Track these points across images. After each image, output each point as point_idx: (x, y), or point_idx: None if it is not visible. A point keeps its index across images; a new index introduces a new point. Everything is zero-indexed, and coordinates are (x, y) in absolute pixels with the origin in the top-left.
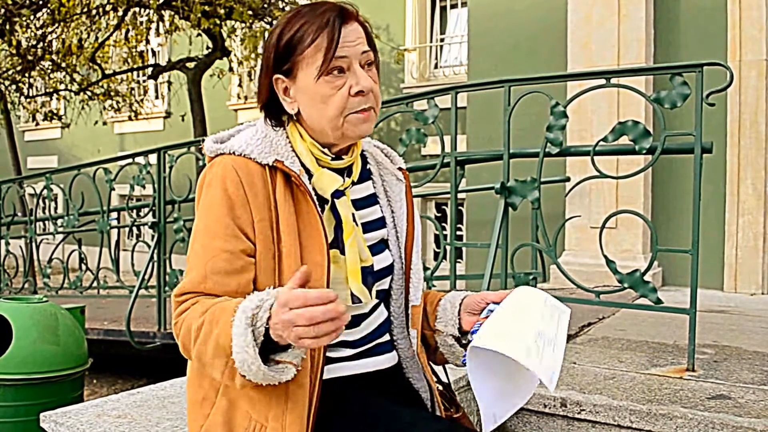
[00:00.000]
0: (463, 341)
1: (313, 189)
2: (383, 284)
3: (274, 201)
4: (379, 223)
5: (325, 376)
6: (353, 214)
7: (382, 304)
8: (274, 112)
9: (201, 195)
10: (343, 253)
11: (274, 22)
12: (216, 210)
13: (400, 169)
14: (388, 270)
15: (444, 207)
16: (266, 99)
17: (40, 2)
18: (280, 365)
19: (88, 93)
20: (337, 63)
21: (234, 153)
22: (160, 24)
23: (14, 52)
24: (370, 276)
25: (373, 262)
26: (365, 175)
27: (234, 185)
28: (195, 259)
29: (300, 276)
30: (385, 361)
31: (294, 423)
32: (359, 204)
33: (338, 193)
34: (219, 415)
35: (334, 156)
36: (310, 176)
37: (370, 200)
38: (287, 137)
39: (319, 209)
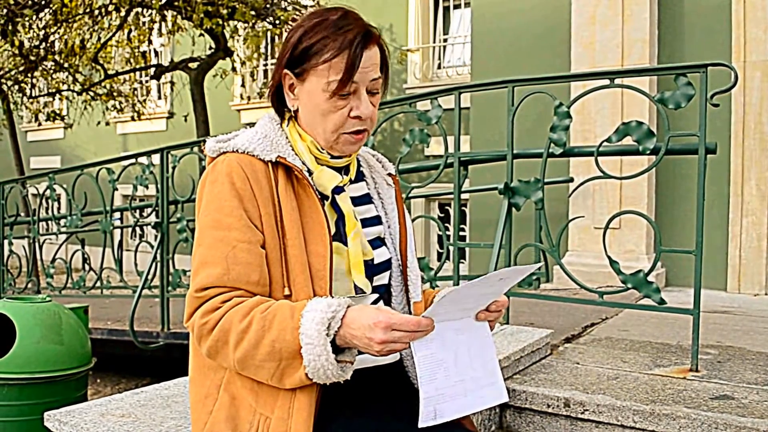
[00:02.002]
0: None
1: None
2: (382, 279)
3: (277, 196)
4: (375, 221)
5: None
6: (353, 210)
7: (382, 301)
8: (279, 103)
9: (204, 192)
10: (345, 245)
11: (277, 22)
12: (227, 203)
13: (390, 174)
14: (386, 265)
15: (447, 207)
16: (275, 89)
17: (43, 2)
18: (341, 364)
19: (91, 93)
20: (346, 88)
21: (237, 151)
22: (163, 24)
23: (17, 52)
24: (369, 269)
25: (374, 256)
26: (359, 177)
27: (241, 180)
28: (211, 253)
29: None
30: (385, 357)
31: (301, 410)
32: (356, 202)
33: (338, 189)
34: (222, 411)
35: (332, 155)
36: (310, 174)
37: (365, 199)
38: (287, 137)
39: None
